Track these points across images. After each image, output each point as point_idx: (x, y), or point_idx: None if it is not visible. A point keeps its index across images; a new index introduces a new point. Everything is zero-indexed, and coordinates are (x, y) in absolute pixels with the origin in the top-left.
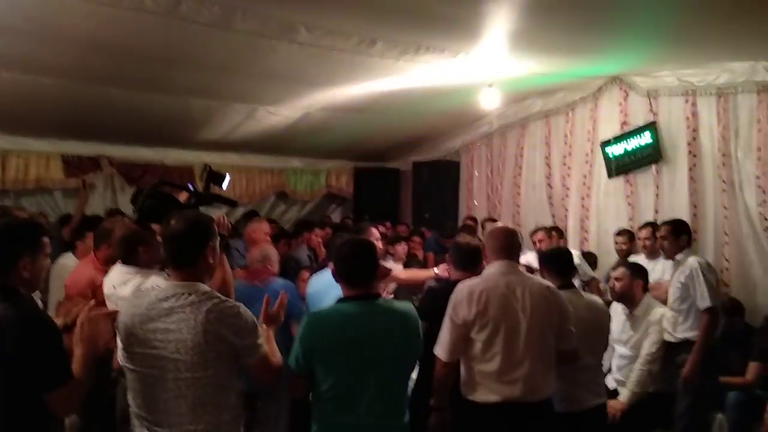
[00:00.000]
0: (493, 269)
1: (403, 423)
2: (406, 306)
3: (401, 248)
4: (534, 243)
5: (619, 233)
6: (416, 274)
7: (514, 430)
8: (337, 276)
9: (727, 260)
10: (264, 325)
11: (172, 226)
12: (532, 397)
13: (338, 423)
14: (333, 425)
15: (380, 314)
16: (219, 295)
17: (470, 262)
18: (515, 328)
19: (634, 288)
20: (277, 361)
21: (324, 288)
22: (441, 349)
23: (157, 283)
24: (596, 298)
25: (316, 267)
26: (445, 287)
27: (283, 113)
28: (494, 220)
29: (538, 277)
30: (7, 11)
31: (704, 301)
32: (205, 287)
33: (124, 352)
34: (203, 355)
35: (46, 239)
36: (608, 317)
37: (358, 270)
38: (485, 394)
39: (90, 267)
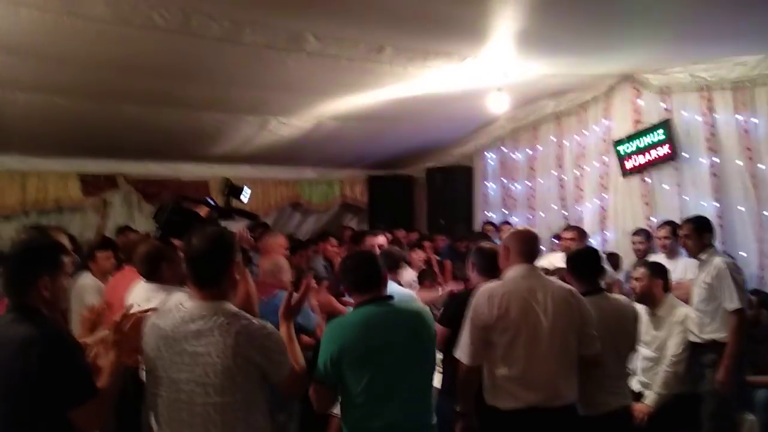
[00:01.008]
0: (514, 272)
1: (432, 423)
2: (420, 305)
3: (416, 255)
4: (565, 242)
5: (636, 233)
6: (425, 297)
7: None
8: (348, 289)
9: (762, 256)
10: (284, 322)
11: (195, 245)
12: (555, 402)
13: (372, 426)
14: (367, 428)
15: (399, 314)
16: (246, 315)
17: (493, 266)
18: (537, 332)
19: (654, 288)
20: (302, 368)
21: None
22: (462, 353)
23: (181, 300)
24: (624, 299)
25: (334, 278)
26: (468, 293)
27: (295, 124)
28: (510, 225)
29: (559, 281)
30: (19, 33)
31: (733, 302)
32: (232, 307)
33: (148, 376)
34: (233, 379)
35: (65, 258)
36: (636, 319)
37: (366, 276)
38: (508, 401)
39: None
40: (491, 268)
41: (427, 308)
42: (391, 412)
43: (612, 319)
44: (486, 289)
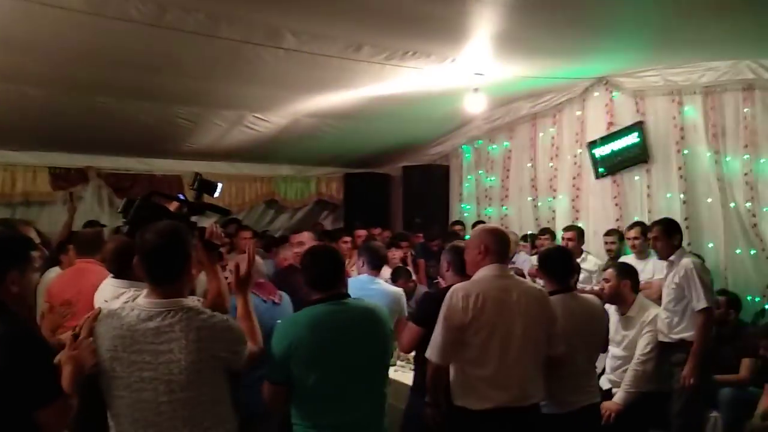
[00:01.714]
0: (488, 272)
1: (383, 423)
2: (376, 304)
3: (393, 254)
4: (564, 242)
5: (608, 233)
6: None
7: None
8: (306, 284)
9: (725, 257)
10: (239, 296)
11: (149, 241)
12: (524, 401)
13: (320, 425)
14: (315, 427)
15: (351, 311)
16: (205, 309)
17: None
18: (510, 332)
19: (622, 288)
20: (259, 346)
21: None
22: (433, 352)
23: (137, 300)
24: (593, 299)
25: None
26: (443, 292)
27: (271, 119)
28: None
29: (529, 281)
30: None
31: (700, 302)
32: (189, 302)
33: (105, 377)
34: (199, 373)
35: (34, 253)
36: (605, 318)
37: (323, 273)
38: (479, 401)
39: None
40: (464, 266)
41: (382, 306)
42: (341, 411)
43: (581, 317)
44: (460, 288)
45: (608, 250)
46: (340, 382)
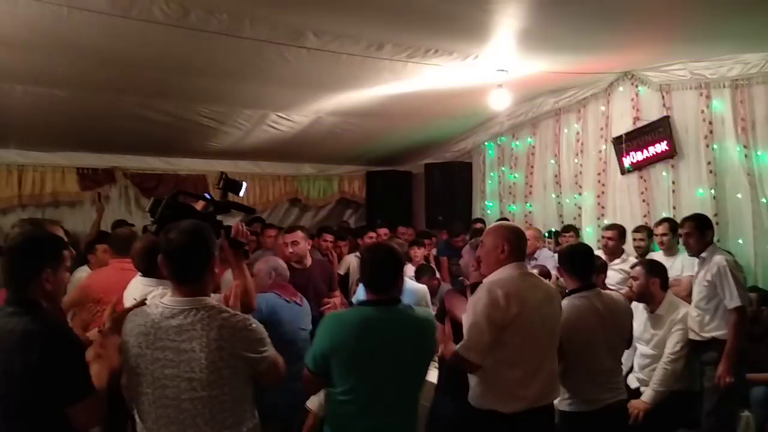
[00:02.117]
0: (513, 271)
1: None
2: (426, 312)
3: (416, 252)
4: (603, 240)
5: (637, 230)
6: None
7: None
8: (362, 280)
9: (756, 254)
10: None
11: (172, 239)
12: (545, 400)
13: (352, 427)
14: (346, 428)
15: (400, 320)
16: (227, 308)
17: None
18: (540, 331)
19: (651, 286)
20: (281, 359)
21: None
22: (473, 352)
23: (161, 298)
24: (617, 296)
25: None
26: (466, 289)
27: (294, 118)
28: (507, 221)
29: (544, 280)
30: (18, 26)
31: (733, 300)
32: (212, 301)
33: (130, 374)
34: (219, 372)
35: (66, 252)
36: (629, 314)
37: (378, 275)
38: (511, 403)
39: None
40: None
41: (433, 317)
42: (373, 418)
43: (606, 315)
44: (498, 286)
45: (637, 247)
46: (377, 389)
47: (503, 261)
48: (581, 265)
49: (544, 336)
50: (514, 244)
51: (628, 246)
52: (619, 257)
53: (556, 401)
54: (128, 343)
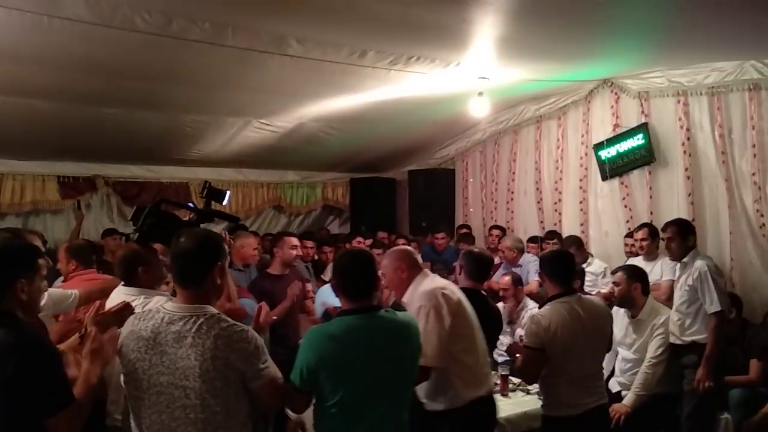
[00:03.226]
0: (424, 277)
1: None
2: (408, 317)
3: None
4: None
5: (628, 235)
6: None
7: None
8: (337, 289)
9: (732, 259)
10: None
11: (182, 243)
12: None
13: None
14: None
15: (384, 327)
16: (227, 318)
17: (483, 272)
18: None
19: (632, 291)
20: (281, 378)
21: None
22: (434, 359)
23: (161, 303)
24: (597, 300)
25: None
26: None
27: (277, 125)
28: (500, 228)
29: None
30: None
31: (713, 305)
32: (212, 309)
33: (128, 378)
34: (212, 383)
35: (42, 261)
36: (610, 320)
37: (358, 283)
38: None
39: None
40: (479, 274)
41: (413, 318)
42: (366, 426)
43: (587, 320)
44: (436, 293)
45: (628, 252)
46: (368, 398)
47: (406, 280)
48: (563, 270)
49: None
50: (409, 262)
51: (600, 249)
52: (654, 258)
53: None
54: (128, 346)
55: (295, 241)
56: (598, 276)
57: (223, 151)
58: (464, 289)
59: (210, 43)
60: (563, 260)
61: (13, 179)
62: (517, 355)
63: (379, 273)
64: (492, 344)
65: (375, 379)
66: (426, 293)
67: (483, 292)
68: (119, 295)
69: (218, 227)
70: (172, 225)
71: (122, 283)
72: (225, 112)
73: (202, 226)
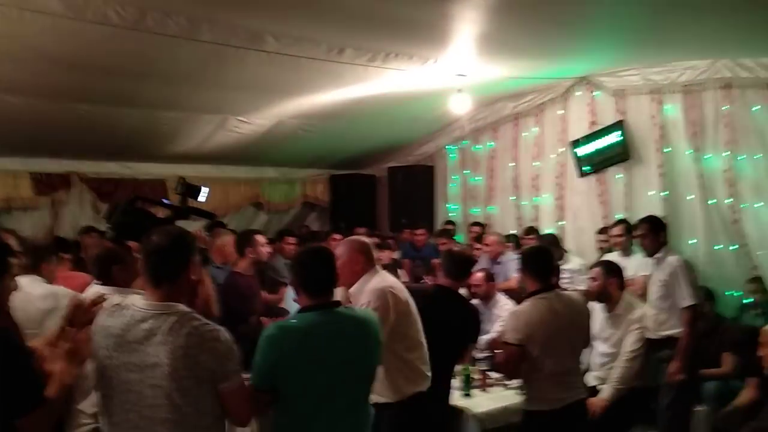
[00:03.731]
0: (374, 274)
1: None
2: (366, 313)
3: (383, 254)
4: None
5: (601, 231)
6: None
7: None
8: (297, 285)
9: (706, 253)
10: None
11: (154, 241)
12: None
13: None
14: None
15: (343, 323)
16: (199, 316)
17: (462, 271)
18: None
19: (609, 287)
20: (251, 386)
21: None
22: None
23: (134, 301)
24: (575, 296)
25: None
26: (423, 289)
27: (255, 122)
28: (480, 225)
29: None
30: None
31: (686, 299)
32: (185, 308)
33: (98, 377)
34: (181, 381)
35: (12, 260)
36: (588, 315)
37: (318, 279)
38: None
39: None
40: (457, 272)
41: (374, 314)
42: (325, 425)
43: (566, 315)
44: (386, 291)
45: (600, 248)
46: (327, 395)
47: (359, 272)
48: (543, 266)
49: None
50: (367, 256)
51: (577, 245)
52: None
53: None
54: (98, 343)
55: (264, 239)
56: (575, 273)
57: (201, 148)
58: (440, 288)
59: (186, 38)
60: (542, 256)
61: None
62: (497, 350)
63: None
64: (464, 342)
65: (334, 376)
66: (375, 291)
67: (459, 292)
68: (94, 293)
69: (196, 225)
70: (147, 222)
71: (96, 281)
72: (202, 110)
73: (177, 223)
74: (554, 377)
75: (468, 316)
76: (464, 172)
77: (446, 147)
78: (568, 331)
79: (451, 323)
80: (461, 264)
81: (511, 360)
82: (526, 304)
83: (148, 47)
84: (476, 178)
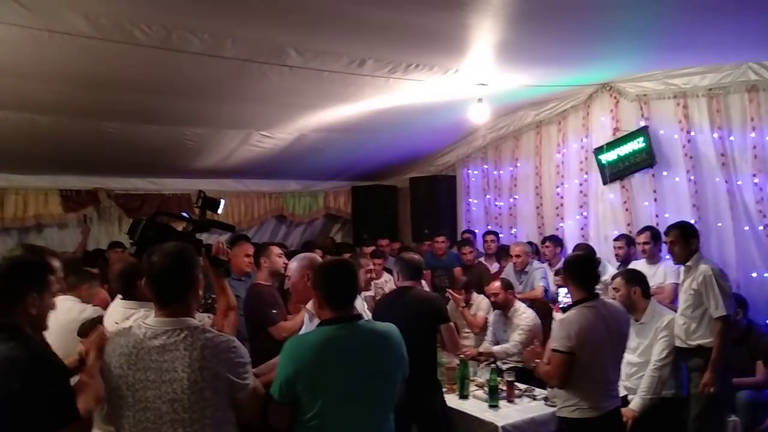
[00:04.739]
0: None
1: None
2: (389, 327)
3: (378, 263)
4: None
5: (617, 238)
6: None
7: None
8: (319, 298)
9: (736, 260)
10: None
11: (155, 263)
12: None
13: None
14: None
15: (362, 337)
16: (210, 329)
17: (415, 272)
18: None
19: (632, 296)
20: (263, 392)
21: None
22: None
23: (145, 320)
24: (618, 305)
25: None
26: (392, 294)
27: (277, 137)
28: (494, 233)
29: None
30: None
31: (719, 309)
32: (195, 321)
33: (112, 396)
34: (201, 393)
35: (53, 277)
36: (628, 323)
37: (339, 292)
38: None
39: None
40: (412, 274)
41: (395, 327)
42: None
43: (611, 324)
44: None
45: (616, 255)
46: (347, 410)
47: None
48: (588, 274)
49: None
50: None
51: (602, 253)
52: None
53: (557, 408)
54: (110, 364)
55: (279, 250)
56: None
57: (225, 163)
58: (402, 288)
59: (210, 54)
60: (587, 264)
61: (16, 193)
62: (537, 360)
63: (286, 277)
64: (431, 325)
65: (354, 390)
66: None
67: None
68: (118, 309)
69: (219, 237)
70: (169, 237)
71: (120, 297)
72: (226, 125)
73: (198, 236)
74: (598, 385)
75: (427, 301)
76: (486, 181)
77: (468, 157)
78: (613, 340)
79: (415, 312)
80: (413, 267)
81: (562, 368)
82: (574, 312)
83: (173, 65)
84: (499, 188)
